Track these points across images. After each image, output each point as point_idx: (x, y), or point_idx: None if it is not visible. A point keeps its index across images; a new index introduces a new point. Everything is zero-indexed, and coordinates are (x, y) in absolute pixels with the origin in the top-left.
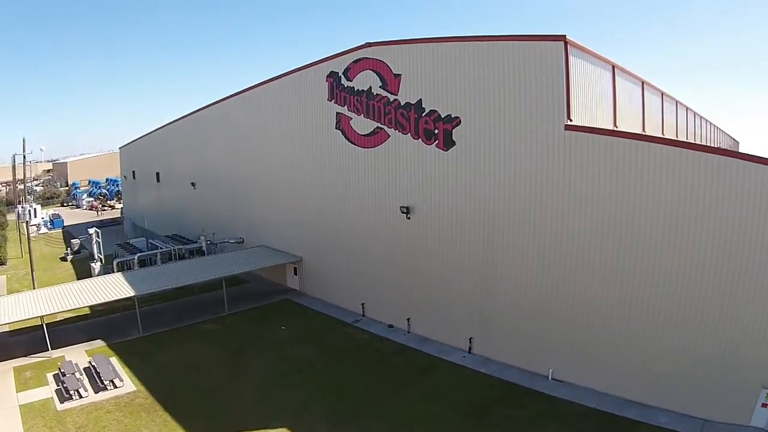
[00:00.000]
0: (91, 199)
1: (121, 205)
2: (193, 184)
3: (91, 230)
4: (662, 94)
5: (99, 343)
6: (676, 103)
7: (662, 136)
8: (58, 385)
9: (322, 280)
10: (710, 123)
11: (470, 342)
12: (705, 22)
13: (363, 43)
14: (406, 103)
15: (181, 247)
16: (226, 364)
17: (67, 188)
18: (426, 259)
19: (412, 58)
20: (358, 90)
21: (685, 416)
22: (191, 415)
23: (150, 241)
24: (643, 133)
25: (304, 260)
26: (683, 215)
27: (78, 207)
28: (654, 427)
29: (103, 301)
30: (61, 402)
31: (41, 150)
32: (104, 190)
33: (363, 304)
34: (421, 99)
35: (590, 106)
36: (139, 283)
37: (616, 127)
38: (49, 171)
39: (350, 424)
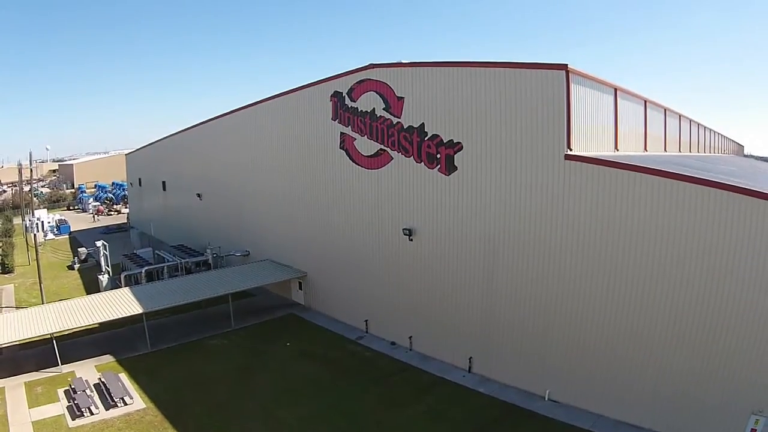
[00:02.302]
0: (98, 203)
1: (127, 210)
2: (199, 195)
3: (99, 243)
4: (665, 110)
5: (108, 359)
6: (679, 117)
7: (657, 168)
8: (69, 402)
9: (326, 296)
10: (714, 132)
11: (470, 362)
12: (705, 22)
13: (367, 64)
14: (409, 126)
15: (187, 260)
16: (232, 381)
17: (73, 191)
18: (427, 279)
19: (415, 81)
20: (361, 111)
21: None
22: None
23: (156, 252)
24: (640, 165)
25: (309, 275)
26: (676, 244)
27: (84, 211)
28: None
29: (111, 318)
30: (73, 419)
31: (47, 149)
32: (110, 195)
33: (366, 321)
34: (423, 123)
35: (592, 131)
36: (147, 300)
37: (617, 149)
38: (54, 171)
39: None
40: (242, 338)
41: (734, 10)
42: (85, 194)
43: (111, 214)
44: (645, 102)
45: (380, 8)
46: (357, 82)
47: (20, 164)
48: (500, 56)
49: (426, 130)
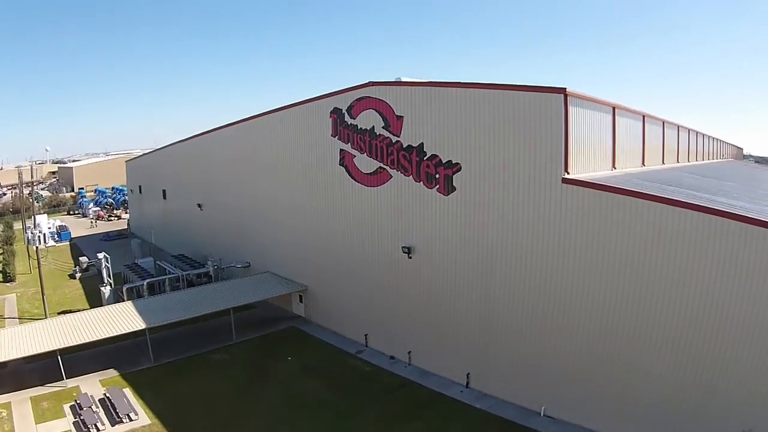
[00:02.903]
0: (98, 208)
1: (127, 215)
2: (200, 206)
3: (101, 255)
4: (663, 123)
5: (112, 373)
6: (677, 127)
7: (651, 193)
8: (75, 418)
9: (326, 309)
10: (712, 138)
11: (468, 377)
12: (703, 26)
13: (366, 81)
14: (408, 145)
15: (189, 272)
16: (235, 398)
17: (73, 194)
18: (426, 296)
19: (415, 100)
20: (361, 128)
21: None
22: None
23: (158, 262)
24: (635, 190)
25: (309, 289)
26: (671, 268)
27: (85, 216)
28: None
29: (115, 334)
30: None
31: (46, 150)
32: (110, 200)
33: (366, 335)
34: (422, 143)
35: (590, 150)
36: (149, 314)
37: (615, 167)
38: (54, 173)
39: None
40: (244, 352)
41: (733, 13)
42: (85, 199)
43: (111, 220)
44: (643, 117)
45: (380, 12)
46: (356, 100)
47: (20, 170)
48: (500, 57)
49: (425, 149)
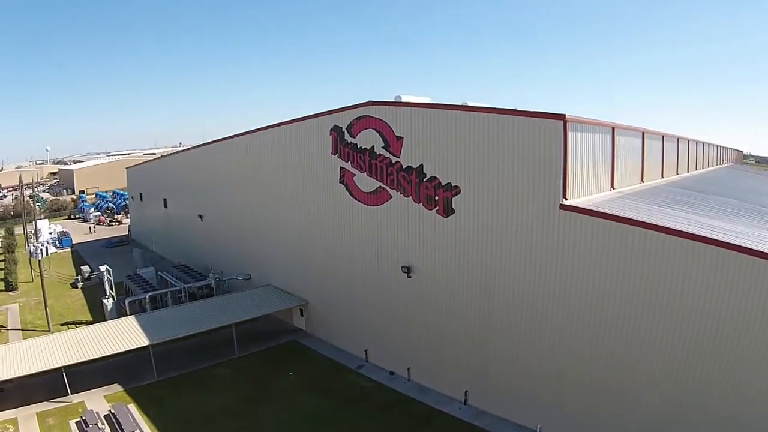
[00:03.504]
0: (99, 213)
1: (128, 220)
2: (201, 217)
3: (103, 267)
4: (662, 137)
5: (116, 388)
6: (677, 140)
7: (646, 221)
8: None
9: (327, 323)
10: (711, 146)
11: (466, 394)
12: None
13: (366, 101)
14: (408, 166)
15: (191, 284)
16: (238, 415)
17: (73, 196)
18: (425, 313)
19: (414, 121)
20: (361, 147)
21: None
22: None
23: (159, 273)
24: (630, 218)
25: (310, 303)
26: (663, 297)
27: (85, 220)
28: None
29: (119, 350)
30: None
31: (47, 150)
32: (111, 204)
33: (366, 350)
34: (422, 164)
35: (589, 172)
36: (152, 330)
37: (613, 188)
38: (54, 174)
39: None
40: (246, 367)
41: (736, 13)
42: (86, 203)
43: (112, 225)
44: (642, 134)
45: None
46: (356, 118)
47: (20, 174)
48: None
49: (425, 171)
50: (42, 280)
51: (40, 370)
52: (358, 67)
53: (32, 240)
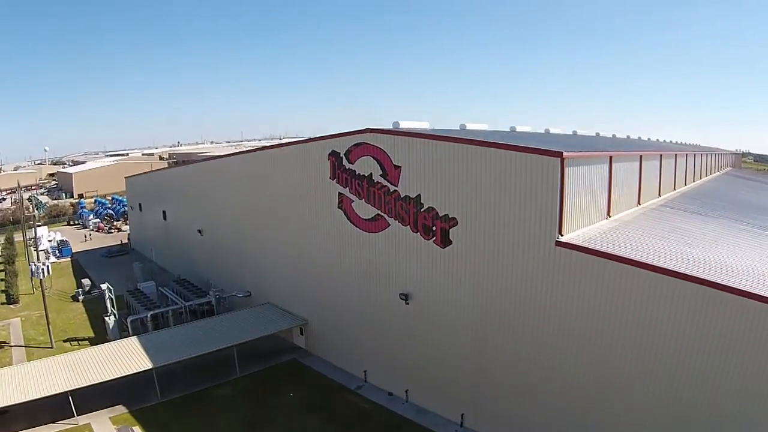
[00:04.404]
0: (98, 220)
1: (127, 227)
2: (200, 231)
3: (104, 286)
4: (660, 156)
5: (121, 409)
6: (675, 156)
7: (638, 260)
8: None
9: (326, 343)
10: (709, 154)
11: (462, 417)
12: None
13: (364, 128)
14: (406, 196)
15: (191, 302)
16: None
17: (72, 200)
18: (422, 338)
19: (412, 151)
20: (359, 174)
21: None
22: None
23: (159, 288)
24: (623, 256)
25: (310, 323)
26: (651, 334)
27: (84, 227)
28: None
29: (123, 374)
30: None
31: (45, 150)
32: (110, 211)
33: (365, 371)
34: (420, 194)
35: (585, 205)
36: (155, 353)
37: (609, 215)
38: (53, 175)
39: None
40: (247, 387)
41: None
42: (85, 210)
43: (111, 232)
44: (640, 157)
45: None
46: (354, 145)
47: (18, 181)
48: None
49: (422, 201)
50: (44, 298)
51: (46, 395)
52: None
53: (33, 248)
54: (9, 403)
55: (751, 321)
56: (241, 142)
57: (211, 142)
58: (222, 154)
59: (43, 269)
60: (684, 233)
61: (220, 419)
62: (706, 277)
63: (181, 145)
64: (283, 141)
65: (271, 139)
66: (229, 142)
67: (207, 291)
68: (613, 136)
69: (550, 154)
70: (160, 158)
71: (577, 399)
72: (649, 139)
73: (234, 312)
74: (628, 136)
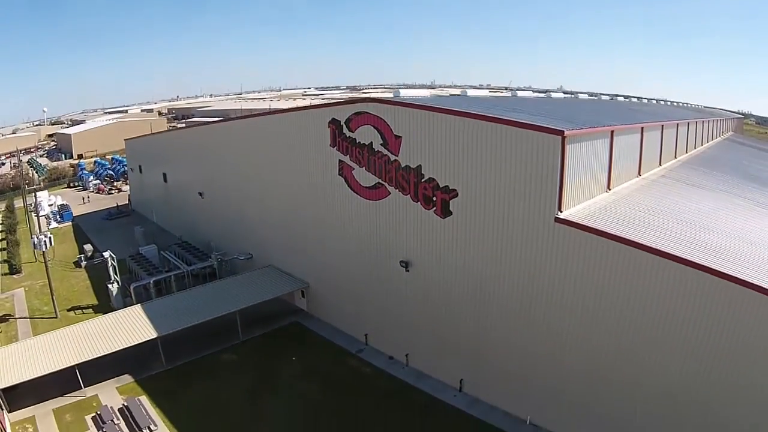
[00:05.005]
0: (98, 181)
1: (127, 188)
2: (201, 194)
3: (106, 254)
4: (662, 126)
5: (127, 379)
6: (677, 125)
7: (632, 239)
8: (98, 430)
9: (327, 306)
10: (711, 121)
11: (461, 383)
12: None
13: (365, 97)
14: (407, 165)
15: (193, 267)
16: (244, 405)
17: (72, 161)
18: (422, 304)
19: (413, 122)
20: (360, 143)
21: None
22: None
23: (161, 252)
24: (619, 235)
25: (311, 286)
26: (644, 312)
27: (85, 188)
28: None
29: (129, 345)
30: None
31: (44, 111)
32: (110, 171)
33: (366, 335)
34: (420, 165)
35: (585, 180)
36: (160, 321)
37: (609, 189)
38: (52, 136)
39: None
40: (251, 352)
41: None
42: (85, 172)
43: (112, 193)
44: (641, 129)
45: None
46: (354, 113)
47: (18, 149)
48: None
49: (423, 172)
50: (47, 270)
51: (54, 370)
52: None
53: (33, 214)
54: (18, 381)
55: (741, 307)
56: (240, 94)
57: (210, 95)
58: (222, 108)
59: (45, 241)
60: (680, 209)
61: (224, 387)
62: (691, 258)
63: (179, 99)
64: (283, 93)
65: (270, 91)
66: (228, 94)
67: (209, 254)
68: (612, 98)
69: (551, 132)
70: (159, 114)
71: (575, 365)
72: (648, 101)
73: (236, 276)
74: (629, 98)
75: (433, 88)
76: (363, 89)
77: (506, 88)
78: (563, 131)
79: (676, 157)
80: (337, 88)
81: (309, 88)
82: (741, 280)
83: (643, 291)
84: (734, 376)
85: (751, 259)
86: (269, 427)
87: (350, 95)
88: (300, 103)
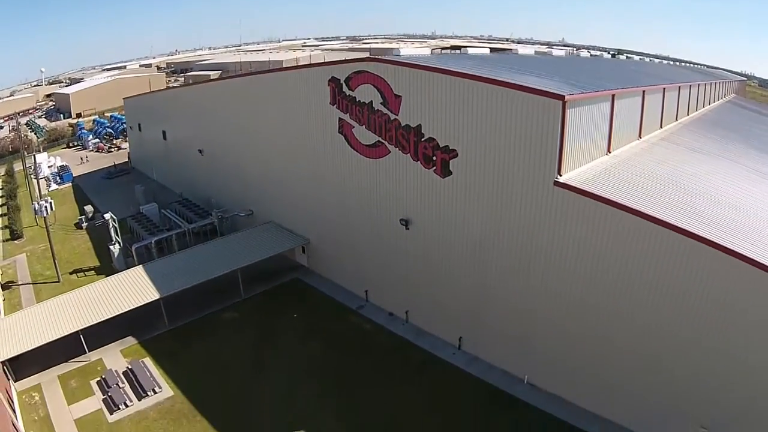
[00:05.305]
0: (97, 140)
1: (126, 145)
2: (200, 151)
3: (107, 215)
4: (663, 89)
5: (131, 341)
6: (678, 88)
7: (630, 206)
8: (104, 394)
9: (328, 262)
10: (714, 83)
11: (460, 341)
12: None
13: (365, 56)
14: (406, 125)
15: (194, 225)
16: (247, 363)
17: (71, 120)
18: (422, 263)
19: (414, 82)
20: (360, 101)
21: None
22: (224, 420)
23: (162, 211)
24: (618, 201)
25: (311, 242)
26: (640, 276)
27: (84, 148)
28: None
29: (132, 307)
30: (111, 413)
31: (41, 71)
32: (109, 129)
33: (366, 291)
34: (420, 124)
35: (585, 144)
36: (162, 282)
37: (609, 152)
38: (50, 96)
39: (358, 429)
40: (252, 310)
41: None
42: (84, 131)
43: (111, 151)
44: (643, 92)
45: None
46: (354, 72)
47: (17, 115)
48: None
49: (423, 131)
50: (49, 236)
51: (58, 337)
52: None
53: (33, 177)
54: (23, 350)
55: (728, 275)
56: (239, 46)
57: (210, 48)
58: (221, 61)
59: (46, 206)
60: (677, 174)
61: (226, 346)
62: (683, 226)
63: (178, 53)
64: (282, 44)
65: (270, 43)
66: (227, 47)
67: (209, 211)
68: (614, 55)
69: (552, 96)
70: (158, 68)
71: (572, 328)
72: (650, 59)
73: (237, 233)
74: (630, 57)
75: (434, 39)
76: (363, 40)
77: (507, 40)
78: (564, 96)
79: (677, 119)
80: (337, 38)
81: (309, 38)
82: (728, 248)
83: (639, 256)
84: (725, 345)
85: (744, 229)
86: (271, 385)
87: (350, 46)
88: (299, 54)
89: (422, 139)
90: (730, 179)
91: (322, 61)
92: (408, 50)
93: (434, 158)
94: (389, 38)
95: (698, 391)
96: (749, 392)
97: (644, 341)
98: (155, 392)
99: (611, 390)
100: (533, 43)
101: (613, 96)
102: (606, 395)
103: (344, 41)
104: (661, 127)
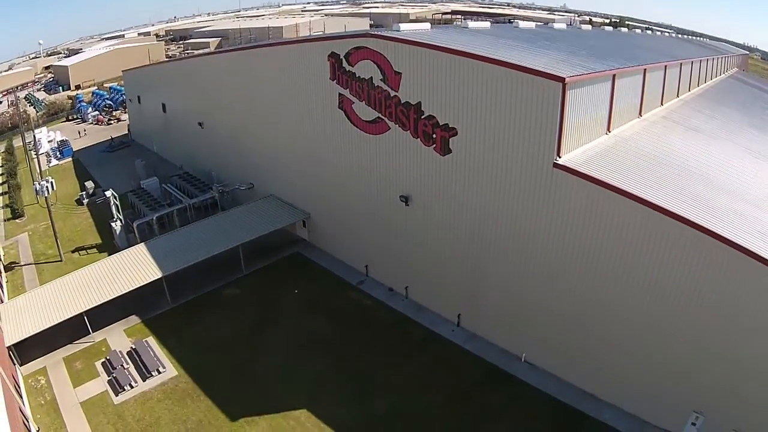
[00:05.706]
0: (97, 112)
1: (126, 117)
2: (200, 124)
3: (108, 192)
4: (665, 66)
5: (134, 320)
6: (680, 65)
7: (628, 191)
8: (108, 376)
9: (328, 236)
10: (716, 58)
11: (459, 318)
12: None
13: (364, 32)
14: (406, 102)
15: (195, 200)
16: (248, 340)
17: (70, 93)
18: (422, 239)
19: (414, 59)
20: (359, 77)
21: (628, 414)
22: (227, 398)
23: (163, 185)
24: (615, 185)
25: (312, 216)
26: (638, 260)
27: (84, 121)
28: (599, 421)
29: (136, 286)
30: (116, 395)
31: (39, 44)
32: (108, 101)
33: (366, 266)
34: (420, 102)
35: (585, 124)
36: (165, 260)
37: (609, 131)
38: (48, 68)
39: (358, 404)
40: (253, 285)
41: None
42: (83, 104)
43: (111, 123)
44: (644, 71)
45: None
46: (354, 48)
47: (16, 94)
48: None
49: (423, 109)
50: (50, 215)
51: (62, 319)
52: None
53: (33, 152)
54: (27, 335)
55: (723, 263)
56: (239, 11)
57: (208, 14)
58: (220, 27)
59: (47, 186)
60: (675, 155)
61: (228, 322)
62: (677, 212)
63: (177, 20)
64: (282, 9)
65: (269, 8)
66: (226, 12)
67: (210, 184)
68: (615, 25)
69: (552, 78)
70: (157, 36)
71: (569, 309)
72: (653, 31)
73: (238, 207)
74: (632, 28)
75: (434, 2)
76: (363, 3)
77: (508, 4)
78: (564, 78)
79: (678, 96)
80: (338, 2)
81: (309, 2)
82: (724, 238)
83: (636, 239)
84: (720, 336)
85: (739, 218)
86: (272, 360)
87: (351, 10)
88: (299, 19)
89: (422, 117)
90: (730, 160)
91: (322, 26)
92: (408, 25)
93: (434, 136)
94: (390, 2)
95: (693, 376)
96: (744, 377)
97: (640, 324)
98: (159, 372)
99: (606, 371)
100: (534, 8)
101: (614, 76)
102: (601, 376)
103: (344, 5)
104: (662, 104)
